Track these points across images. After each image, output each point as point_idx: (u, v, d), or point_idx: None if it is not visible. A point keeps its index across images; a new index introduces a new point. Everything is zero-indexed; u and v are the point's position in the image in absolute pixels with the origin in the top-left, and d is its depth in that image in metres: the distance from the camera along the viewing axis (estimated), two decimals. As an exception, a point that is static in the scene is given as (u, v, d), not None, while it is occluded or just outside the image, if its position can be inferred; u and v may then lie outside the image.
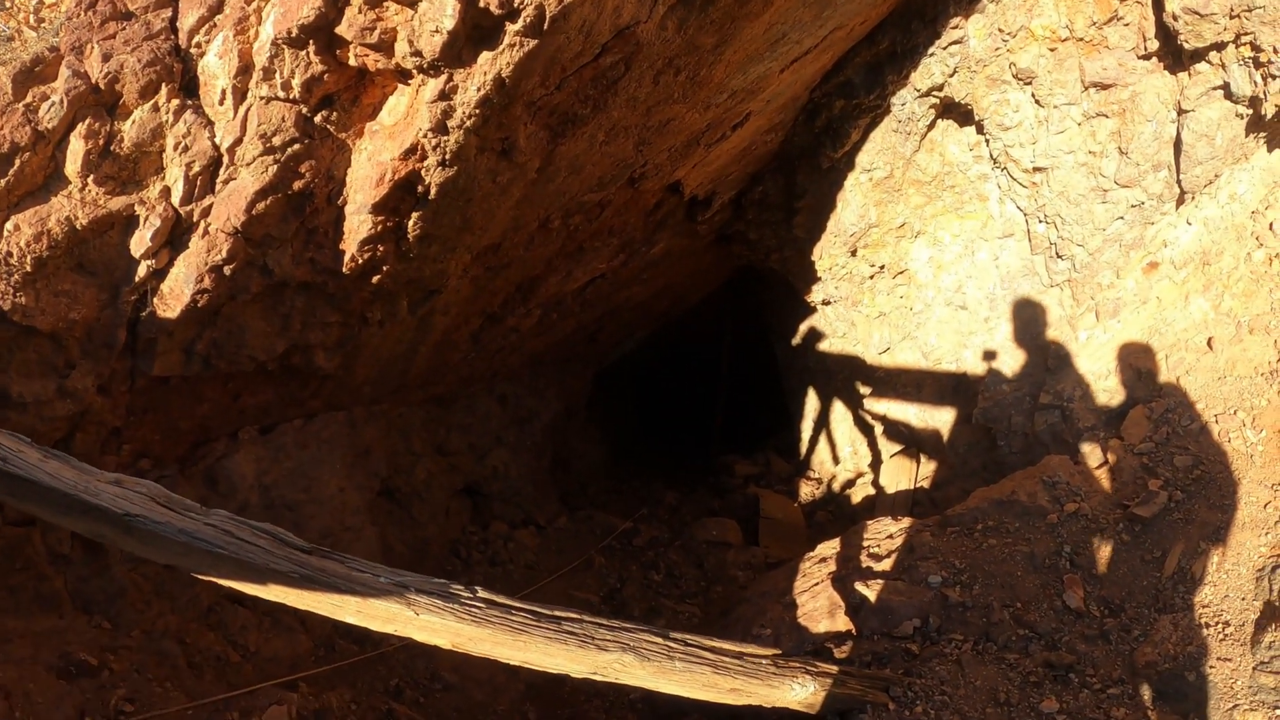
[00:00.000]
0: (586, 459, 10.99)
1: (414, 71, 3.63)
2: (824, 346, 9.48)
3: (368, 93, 3.86)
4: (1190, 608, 4.36)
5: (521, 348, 7.60)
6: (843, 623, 4.85)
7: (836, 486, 9.38)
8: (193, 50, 3.74)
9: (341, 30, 3.48)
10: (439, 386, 7.03)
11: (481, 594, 3.23)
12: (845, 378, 9.22)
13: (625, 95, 4.45)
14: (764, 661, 3.86)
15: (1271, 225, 5.17)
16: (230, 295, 4.17)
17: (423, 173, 4.02)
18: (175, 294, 4.01)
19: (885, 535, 5.57)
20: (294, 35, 3.47)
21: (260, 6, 3.59)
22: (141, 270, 3.94)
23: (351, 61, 3.64)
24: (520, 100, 3.83)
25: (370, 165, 3.98)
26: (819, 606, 5.06)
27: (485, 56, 3.53)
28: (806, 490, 9.89)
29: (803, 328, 9.95)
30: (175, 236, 3.96)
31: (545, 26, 3.41)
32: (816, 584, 5.35)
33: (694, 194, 7.26)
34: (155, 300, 4.03)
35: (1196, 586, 4.43)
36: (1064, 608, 4.66)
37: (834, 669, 4.10)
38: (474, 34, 3.48)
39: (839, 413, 9.75)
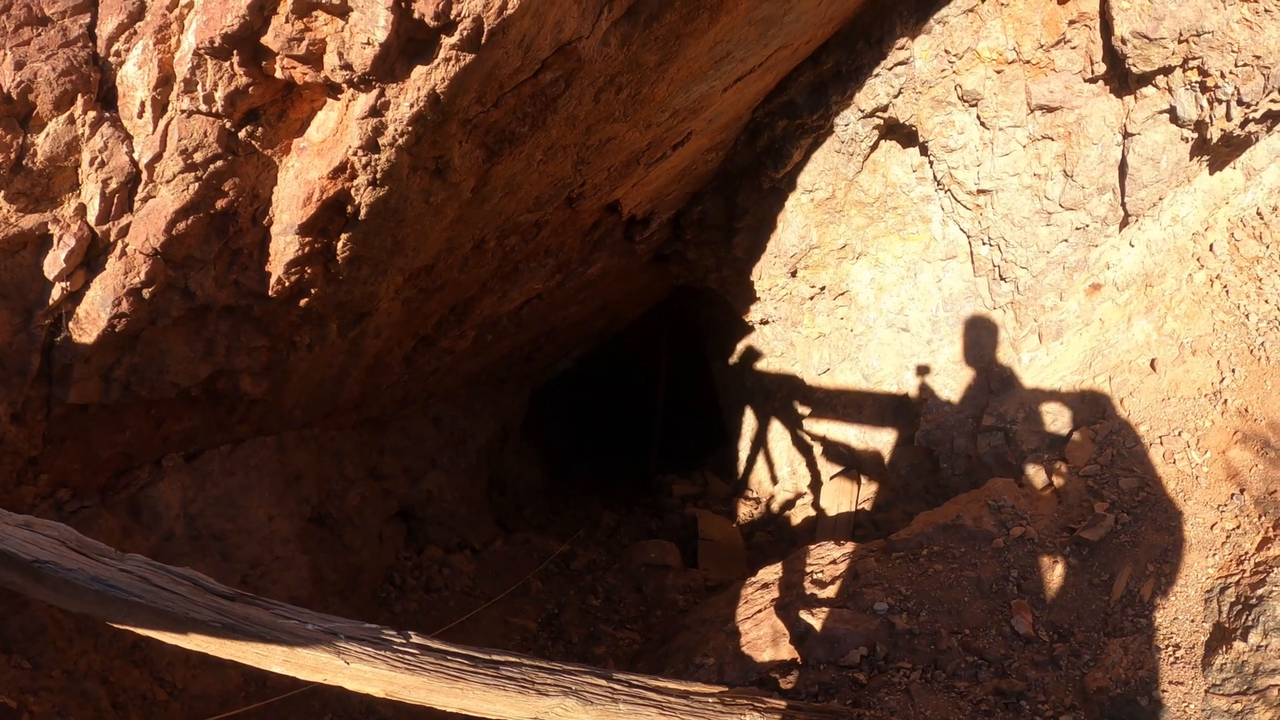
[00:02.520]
0: (523, 480, 10.90)
1: (344, 86, 3.51)
2: (762, 366, 9.47)
3: (295, 107, 3.72)
4: (1140, 631, 4.36)
5: (456, 369, 7.49)
6: (787, 651, 4.78)
7: (775, 507, 9.36)
8: (111, 59, 3.56)
9: (267, 41, 3.34)
10: (372, 409, 6.89)
11: (415, 639, 3.08)
12: (784, 397, 9.23)
13: (565, 113, 4.37)
14: (710, 699, 3.75)
15: (1213, 247, 5.22)
16: (150, 319, 4.01)
17: (352, 192, 3.90)
18: (91, 318, 3.84)
19: (828, 561, 5.51)
20: (217, 45, 3.32)
21: (183, 14, 3.42)
22: (56, 293, 3.77)
23: (278, 74, 3.51)
24: (456, 117, 3.73)
25: (297, 184, 3.85)
26: (762, 635, 4.99)
27: (419, 71, 3.42)
28: (745, 510, 9.87)
29: (740, 347, 9.94)
30: (91, 257, 3.79)
31: (483, 40, 3.31)
32: (759, 611, 5.28)
33: (632, 214, 7.22)
34: (71, 324, 3.86)
35: (1145, 610, 4.43)
36: (1013, 634, 4.64)
37: (782, 704, 4.02)
38: (408, 47, 3.37)
39: (777, 432, 9.75)
